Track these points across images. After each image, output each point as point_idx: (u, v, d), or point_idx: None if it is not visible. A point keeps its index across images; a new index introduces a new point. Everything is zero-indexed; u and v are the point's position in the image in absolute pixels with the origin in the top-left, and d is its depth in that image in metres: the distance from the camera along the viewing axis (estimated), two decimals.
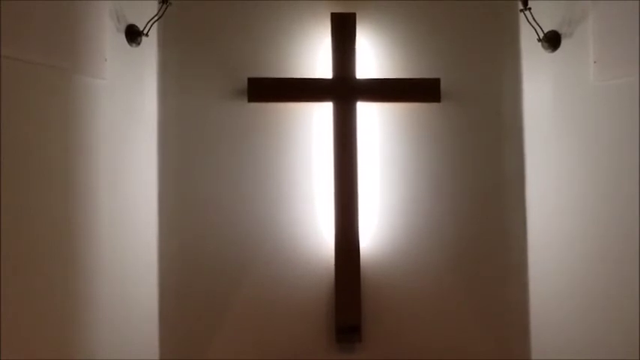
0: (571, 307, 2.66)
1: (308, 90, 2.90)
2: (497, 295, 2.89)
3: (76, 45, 2.42)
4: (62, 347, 2.30)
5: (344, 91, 2.88)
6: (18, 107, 2.13)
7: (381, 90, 2.92)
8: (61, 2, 2.34)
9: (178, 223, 2.83)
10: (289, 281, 2.85)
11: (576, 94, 2.68)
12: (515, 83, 2.92)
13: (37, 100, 2.23)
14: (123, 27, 2.65)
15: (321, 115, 2.90)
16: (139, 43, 2.69)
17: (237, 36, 2.90)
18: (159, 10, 2.68)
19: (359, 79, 2.90)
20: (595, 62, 2.59)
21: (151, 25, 2.67)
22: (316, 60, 2.93)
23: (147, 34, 2.68)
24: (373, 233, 2.89)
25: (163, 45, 2.85)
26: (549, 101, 2.78)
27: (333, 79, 2.89)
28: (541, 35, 2.70)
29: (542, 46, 2.73)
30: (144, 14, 2.68)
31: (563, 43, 2.71)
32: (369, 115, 2.92)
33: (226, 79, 2.88)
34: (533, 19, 2.66)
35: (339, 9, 2.91)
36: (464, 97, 2.95)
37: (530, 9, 2.64)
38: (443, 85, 2.91)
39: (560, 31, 2.72)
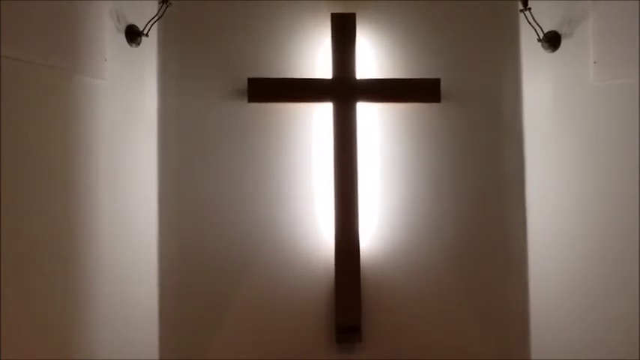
0: (571, 307, 2.66)
1: (308, 90, 2.90)
2: (497, 295, 2.89)
3: (76, 45, 2.42)
4: (62, 347, 2.29)
5: (344, 91, 2.88)
6: (18, 107, 2.13)
7: (381, 90, 2.92)
8: (61, 2, 2.34)
9: (178, 223, 2.83)
10: (289, 281, 2.85)
11: (576, 95, 2.68)
12: (515, 83, 2.92)
13: (37, 100, 2.23)
14: (123, 27, 2.65)
15: (321, 115, 2.90)
16: (138, 43, 2.69)
17: (237, 36, 2.90)
18: (159, 10, 2.68)
19: (359, 80, 2.90)
20: (595, 62, 2.60)
21: (151, 25, 2.67)
22: (316, 60, 2.93)
23: (147, 34, 2.68)
24: (373, 233, 2.89)
25: (163, 45, 2.85)
26: (549, 101, 2.78)
27: (333, 79, 2.90)
28: (541, 35, 2.70)
29: (542, 46, 2.73)
30: (144, 14, 2.67)
31: (563, 43, 2.71)
32: (369, 115, 2.92)
33: (226, 79, 2.89)
34: (533, 19, 2.66)
35: (339, 9, 2.91)
36: (464, 97, 2.95)
37: (530, 9, 2.64)
38: (443, 86, 2.91)
39: (560, 31, 2.72)
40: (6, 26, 2.08)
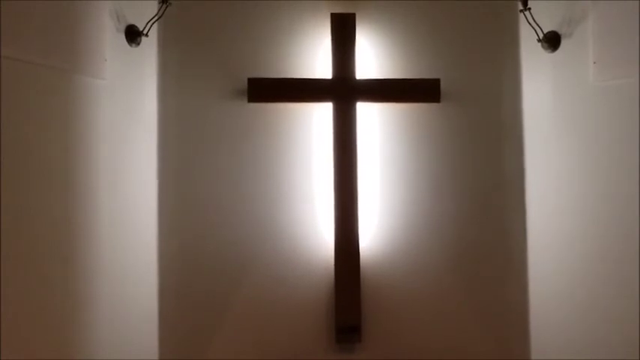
0: (571, 307, 2.66)
1: (308, 90, 2.90)
2: (497, 295, 2.89)
3: (76, 45, 2.42)
4: (62, 347, 2.30)
5: (344, 91, 2.88)
6: (18, 107, 2.14)
7: (381, 90, 2.92)
8: (61, 2, 2.34)
9: (178, 223, 2.82)
10: (289, 281, 2.85)
11: (576, 95, 2.68)
12: (515, 83, 2.92)
13: (37, 100, 2.24)
14: (123, 27, 2.65)
15: (321, 115, 2.90)
16: (138, 44, 2.69)
17: (237, 36, 2.90)
18: (158, 10, 2.68)
19: (359, 80, 2.90)
20: (595, 63, 2.60)
21: (151, 26, 2.67)
22: (316, 60, 2.92)
23: (147, 35, 2.68)
24: (373, 233, 2.89)
25: (163, 45, 2.85)
26: (549, 102, 2.78)
27: (332, 79, 2.90)
28: (541, 35, 2.70)
29: (542, 46, 2.73)
30: (144, 14, 2.67)
31: (563, 43, 2.71)
32: (369, 115, 2.92)
33: (226, 79, 2.88)
34: (533, 19, 2.67)
35: (338, 9, 2.91)
36: (464, 98, 2.95)
37: (530, 9, 2.64)
38: (443, 86, 2.91)
39: (559, 32, 2.72)
40: (6, 26, 2.09)
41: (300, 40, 2.92)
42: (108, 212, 2.53)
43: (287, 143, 2.90)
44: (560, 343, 2.69)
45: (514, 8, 2.80)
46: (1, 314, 2.03)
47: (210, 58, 2.89)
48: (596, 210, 2.60)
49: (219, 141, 2.88)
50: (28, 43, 2.20)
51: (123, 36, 2.65)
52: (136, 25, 2.67)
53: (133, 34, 2.66)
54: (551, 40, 2.71)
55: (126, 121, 2.67)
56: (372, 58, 2.94)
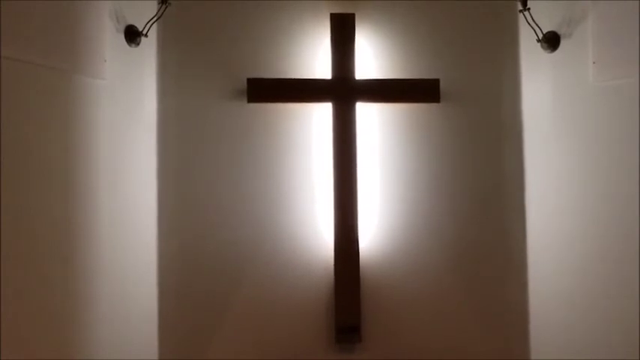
0: (571, 307, 2.66)
1: (307, 90, 2.90)
2: (497, 295, 2.89)
3: (76, 45, 2.42)
4: (62, 347, 2.30)
5: (343, 91, 2.89)
6: (18, 107, 2.14)
7: (381, 90, 2.92)
8: (61, 2, 2.34)
9: (178, 223, 2.82)
10: (289, 281, 2.85)
11: (575, 95, 2.68)
12: (515, 84, 2.92)
13: (37, 101, 2.24)
14: (122, 27, 2.65)
15: (320, 115, 2.90)
16: (138, 44, 2.69)
17: (236, 36, 2.90)
18: (158, 11, 2.68)
19: (358, 80, 2.90)
20: (594, 63, 2.59)
21: (151, 26, 2.67)
22: (315, 60, 2.93)
23: (146, 35, 2.68)
24: (373, 233, 2.89)
25: (163, 45, 2.85)
26: (549, 102, 2.78)
27: (332, 79, 2.90)
28: (540, 36, 2.70)
29: (542, 46, 2.73)
30: (143, 15, 2.67)
31: (563, 43, 2.71)
32: (369, 115, 2.92)
33: (226, 79, 2.89)
34: (533, 19, 2.67)
35: (338, 9, 2.91)
36: (463, 98, 2.95)
37: (529, 9, 2.64)
38: (442, 86, 2.91)
39: (559, 32, 2.72)
40: (6, 26, 2.09)
41: (299, 40, 2.92)
42: (108, 212, 2.53)
43: (287, 143, 2.90)
44: (560, 343, 2.69)
45: (514, 8, 2.80)
46: (1, 314, 2.03)
47: (210, 58, 2.89)
48: (596, 210, 2.60)
49: (219, 141, 2.88)
50: (28, 43, 2.20)
51: (122, 36, 2.65)
52: (136, 25, 2.67)
53: (132, 35, 2.66)
54: (551, 40, 2.71)
55: (126, 121, 2.67)
56: (372, 59, 2.94)
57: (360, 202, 2.85)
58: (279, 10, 2.91)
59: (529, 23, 2.67)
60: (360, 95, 2.89)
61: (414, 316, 2.87)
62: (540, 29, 2.69)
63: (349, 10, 2.91)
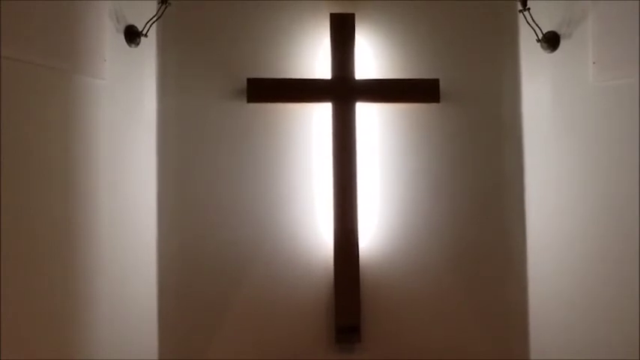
0: (571, 307, 2.66)
1: (307, 90, 2.90)
2: (496, 295, 2.89)
3: (76, 45, 2.42)
4: (62, 347, 2.30)
5: (343, 91, 2.89)
6: (18, 107, 2.14)
7: (381, 90, 2.92)
8: (61, 2, 2.34)
9: (178, 223, 2.82)
10: (289, 281, 2.85)
11: (575, 95, 2.68)
12: (515, 84, 2.92)
13: (37, 101, 2.24)
14: (122, 27, 2.65)
15: (320, 115, 2.90)
16: (138, 44, 2.69)
17: (236, 36, 2.90)
18: (158, 11, 2.68)
19: (358, 80, 2.90)
20: (594, 63, 2.59)
21: (150, 26, 2.67)
22: (315, 60, 2.93)
23: (146, 35, 2.68)
24: (373, 234, 2.89)
25: (162, 45, 2.85)
26: (548, 102, 2.78)
27: (332, 79, 2.90)
28: (540, 36, 2.70)
29: (542, 46, 2.73)
30: (143, 15, 2.67)
31: (563, 43, 2.71)
32: (369, 115, 2.92)
33: (226, 79, 2.89)
34: (532, 19, 2.67)
35: (338, 9, 2.91)
36: (463, 98, 2.95)
37: (529, 9, 2.64)
38: (442, 86, 2.91)
39: (559, 32, 2.72)
40: (6, 26, 2.09)
41: (299, 40, 2.92)
42: (108, 212, 2.53)
43: (286, 143, 2.90)
44: (560, 343, 2.69)
45: (513, 8, 2.80)
46: (1, 314, 2.03)
47: (210, 58, 2.89)
48: (596, 210, 2.60)
49: (219, 141, 2.88)
50: (28, 43, 2.20)
51: (122, 36, 2.65)
52: (136, 25, 2.67)
53: (132, 35, 2.66)
54: (551, 40, 2.71)
55: (126, 121, 2.68)
56: (372, 59, 2.95)
57: (360, 203, 2.85)
58: (279, 10, 2.91)
59: (529, 23, 2.67)
60: (360, 95, 2.89)
61: (414, 316, 2.87)
62: (540, 29, 2.69)
63: (349, 10, 2.91)
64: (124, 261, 2.61)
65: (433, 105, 2.92)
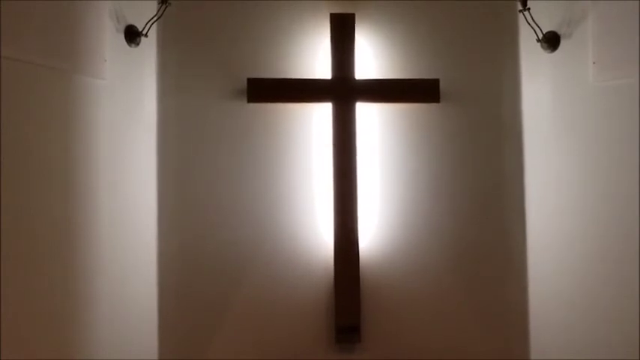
0: (571, 307, 2.66)
1: (307, 90, 2.90)
2: (497, 296, 2.89)
3: (76, 45, 2.42)
4: (62, 347, 2.30)
5: (343, 91, 2.89)
6: (18, 107, 2.14)
7: (381, 90, 2.92)
8: (61, 2, 2.34)
9: (178, 223, 2.82)
10: (289, 281, 2.85)
11: (575, 95, 2.68)
12: (515, 84, 2.92)
13: (37, 101, 2.24)
14: (122, 27, 2.65)
15: (320, 115, 2.90)
16: (138, 44, 2.69)
17: (236, 36, 2.90)
18: (158, 11, 2.68)
19: (358, 80, 2.90)
20: (594, 63, 2.59)
21: (150, 26, 2.68)
22: (315, 60, 2.93)
23: (146, 35, 2.68)
24: (373, 233, 2.89)
25: (162, 45, 2.85)
26: (548, 102, 2.78)
27: (332, 79, 2.90)
28: (540, 36, 2.70)
29: (542, 46, 2.73)
30: (143, 15, 2.67)
31: (563, 43, 2.71)
32: (369, 115, 2.92)
33: (226, 79, 2.89)
34: (532, 19, 2.67)
35: (338, 9, 2.91)
36: (463, 98, 2.95)
37: (529, 9, 2.64)
38: (442, 86, 2.91)
39: (559, 32, 2.72)
40: (6, 26, 2.09)
41: (299, 40, 2.92)
42: (108, 212, 2.53)
43: (287, 143, 2.90)
44: (560, 343, 2.69)
45: (513, 8, 2.80)
46: (1, 314, 2.03)
47: (210, 58, 2.89)
48: (596, 210, 2.60)
49: (219, 141, 2.88)
50: (28, 43, 2.20)
51: (122, 36, 2.65)
52: (136, 25, 2.67)
53: (132, 35, 2.66)
54: (551, 40, 2.72)
55: (126, 121, 2.68)
56: (372, 59, 2.94)
57: (360, 203, 2.85)
58: (279, 10, 2.91)
59: (529, 23, 2.67)
60: (360, 95, 2.89)
61: (414, 316, 2.87)
62: (540, 29, 2.69)
63: (349, 10, 2.91)
64: (124, 261, 2.61)
65: (433, 105, 2.92)
